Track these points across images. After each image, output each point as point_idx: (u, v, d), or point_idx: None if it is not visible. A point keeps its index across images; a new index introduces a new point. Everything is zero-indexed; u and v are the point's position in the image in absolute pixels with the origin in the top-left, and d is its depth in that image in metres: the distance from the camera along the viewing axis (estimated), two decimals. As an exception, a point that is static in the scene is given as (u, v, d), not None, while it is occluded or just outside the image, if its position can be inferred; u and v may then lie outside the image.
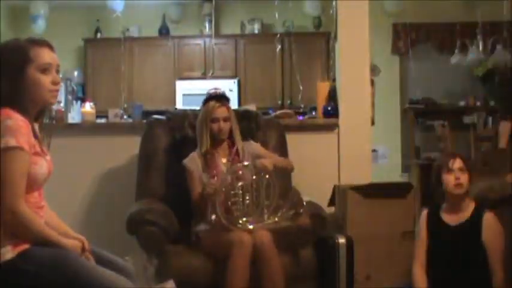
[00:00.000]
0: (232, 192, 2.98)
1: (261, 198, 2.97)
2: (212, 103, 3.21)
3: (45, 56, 2.03)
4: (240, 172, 3.05)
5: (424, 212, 2.99)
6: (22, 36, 2.21)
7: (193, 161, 3.21)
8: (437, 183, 2.90)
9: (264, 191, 2.98)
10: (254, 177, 2.99)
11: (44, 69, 2.02)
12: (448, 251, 2.84)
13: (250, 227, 2.93)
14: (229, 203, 2.97)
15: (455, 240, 2.84)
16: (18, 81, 1.99)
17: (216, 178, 3.11)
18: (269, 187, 2.98)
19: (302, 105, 5.07)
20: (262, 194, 2.98)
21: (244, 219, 2.95)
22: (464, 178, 2.84)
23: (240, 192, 2.98)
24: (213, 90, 3.29)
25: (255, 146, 3.35)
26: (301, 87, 5.78)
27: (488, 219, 2.82)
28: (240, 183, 2.99)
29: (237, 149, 3.26)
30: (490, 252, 2.78)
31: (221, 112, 3.21)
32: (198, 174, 3.18)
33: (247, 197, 2.98)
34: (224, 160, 3.24)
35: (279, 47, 5.51)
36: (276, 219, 2.95)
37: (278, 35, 5.33)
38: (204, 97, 3.30)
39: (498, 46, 6.52)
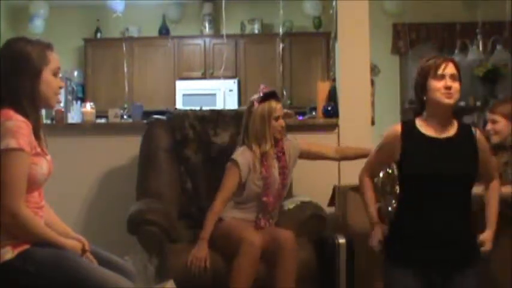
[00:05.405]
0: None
1: None
2: (274, 101, 3.16)
3: (56, 60, 2.09)
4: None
5: (397, 127, 2.41)
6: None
7: (245, 158, 3.10)
8: (421, 91, 2.35)
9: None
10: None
11: (55, 73, 2.08)
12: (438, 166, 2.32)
13: None
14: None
15: (447, 152, 2.33)
16: (34, 81, 2.02)
17: (268, 180, 3.09)
18: None
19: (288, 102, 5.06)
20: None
21: None
22: (455, 87, 2.32)
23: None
24: (266, 89, 3.19)
25: (295, 144, 3.30)
26: (284, 92, 5.75)
27: (480, 136, 2.41)
28: None
29: (281, 148, 3.23)
30: (487, 157, 2.40)
31: (281, 110, 3.19)
32: (245, 173, 3.08)
33: None
34: (274, 160, 3.20)
35: (282, 46, 5.57)
36: None
37: (280, 36, 5.40)
38: (260, 94, 3.17)
39: (498, 46, 6.51)
